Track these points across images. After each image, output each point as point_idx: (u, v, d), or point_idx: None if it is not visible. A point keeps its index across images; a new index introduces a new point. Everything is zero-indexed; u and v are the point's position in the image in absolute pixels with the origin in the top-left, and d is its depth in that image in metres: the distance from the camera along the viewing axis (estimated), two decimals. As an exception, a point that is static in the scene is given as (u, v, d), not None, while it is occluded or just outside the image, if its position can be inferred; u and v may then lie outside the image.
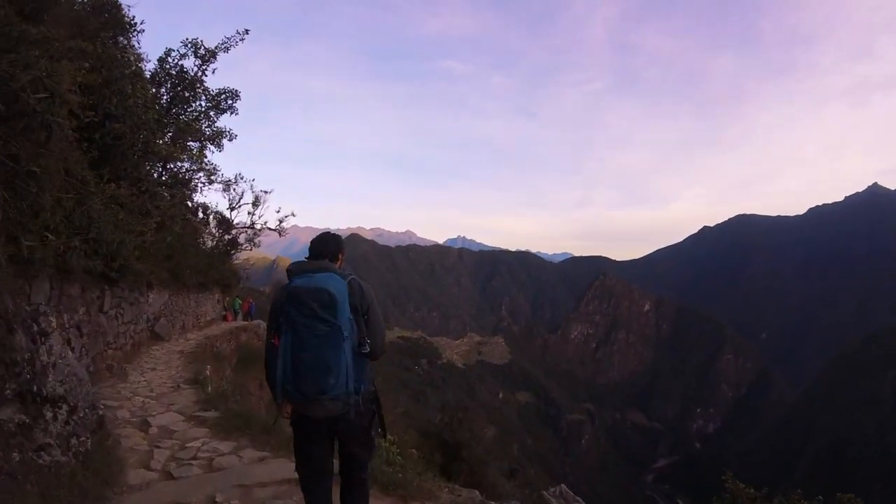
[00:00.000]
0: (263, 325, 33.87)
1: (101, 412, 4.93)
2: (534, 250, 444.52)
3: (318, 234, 3.77)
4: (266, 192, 27.31)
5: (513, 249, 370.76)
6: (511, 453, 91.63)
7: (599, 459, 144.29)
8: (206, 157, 17.24)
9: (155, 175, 13.92)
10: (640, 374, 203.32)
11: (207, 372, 11.63)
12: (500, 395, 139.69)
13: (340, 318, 3.20)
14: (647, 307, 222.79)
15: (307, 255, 3.64)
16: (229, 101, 18.05)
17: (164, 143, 13.30)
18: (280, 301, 3.31)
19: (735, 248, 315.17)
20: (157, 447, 6.12)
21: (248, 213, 27.02)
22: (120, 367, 10.38)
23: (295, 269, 3.46)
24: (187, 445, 6.23)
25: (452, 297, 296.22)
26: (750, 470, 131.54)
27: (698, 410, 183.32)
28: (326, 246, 3.64)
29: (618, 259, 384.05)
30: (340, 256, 3.71)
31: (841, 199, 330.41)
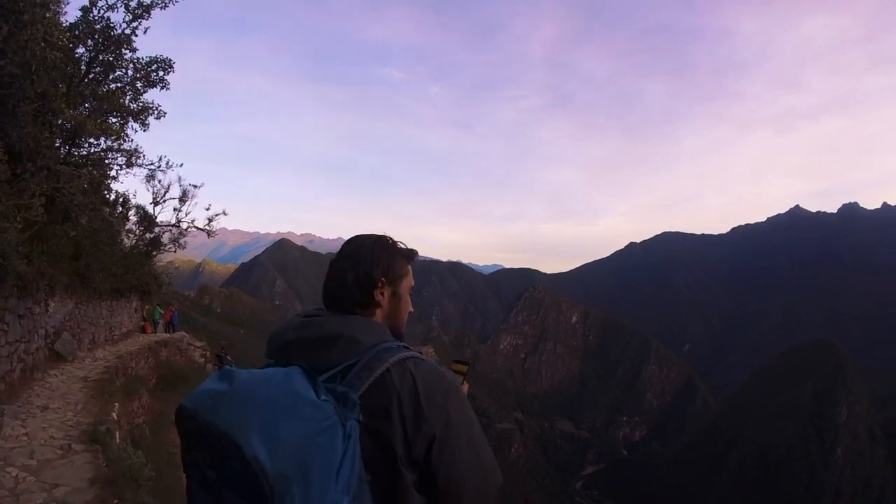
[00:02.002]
0: (187, 337, 30.57)
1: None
2: (465, 261, 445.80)
3: (347, 240, 2.02)
4: (195, 187, 23.72)
5: (444, 259, 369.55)
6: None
7: (529, 467, 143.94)
8: (127, 135, 14.02)
9: (58, 146, 10.79)
10: (567, 383, 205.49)
11: (114, 415, 8.76)
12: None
13: None
14: (574, 319, 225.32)
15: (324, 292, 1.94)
16: (161, 73, 14.82)
17: (78, 114, 10.34)
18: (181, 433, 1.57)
19: (660, 263, 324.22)
20: None
21: (174, 209, 23.33)
22: (-5, 408, 7.44)
23: (275, 344, 1.81)
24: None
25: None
26: (676, 475, 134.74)
27: (624, 419, 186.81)
28: (353, 273, 1.87)
29: (547, 272, 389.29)
30: (383, 295, 1.88)
31: (763, 219, 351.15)
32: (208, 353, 31.75)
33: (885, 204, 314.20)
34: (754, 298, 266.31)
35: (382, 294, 1.89)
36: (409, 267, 1.97)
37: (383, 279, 1.87)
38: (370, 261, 1.91)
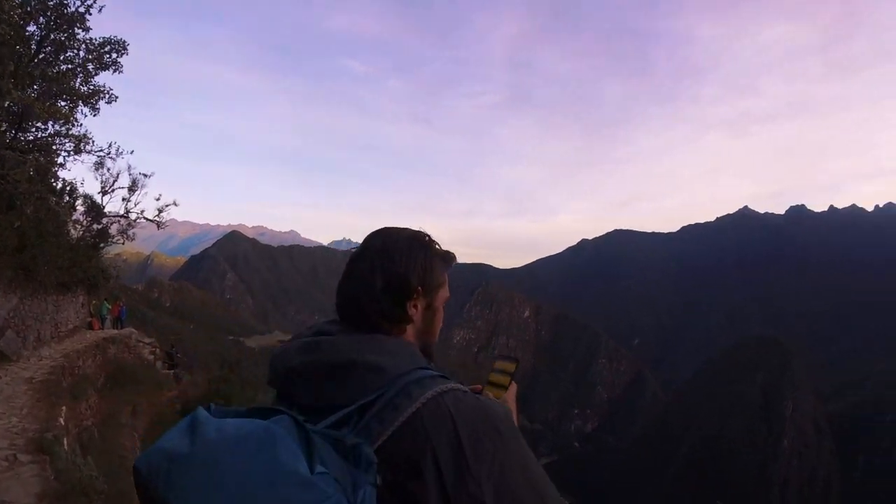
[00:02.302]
0: (136, 334, 29.47)
1: None
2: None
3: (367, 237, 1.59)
4: (146, 176, 22.65)
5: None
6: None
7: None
8: (76, 119, 13.19)
9: (3, 130, 9.99)
10: (520, 378, 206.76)
11: (62, 420, 8.14)
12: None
13: None
14: (527, 314, 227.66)
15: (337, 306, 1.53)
16: (114, 55, 13.99)
17: (26, 96, 9.56)
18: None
19: (611, 260, 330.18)
20: None
21: (123, 199, 22.21)
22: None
23: (276, 371, 1.45)
24: None
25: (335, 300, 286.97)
26: (628, 466, 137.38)
27: (576, 411, 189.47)
28: (384, 277, 1.47)
29: (500, 267, 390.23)
30: (416, 307, 1.50)
31: (713, 219, 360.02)
32: (157, 349, 30.74)
33: (831, 207, 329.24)
34: (702, 296, 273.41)
35: (416, 307, 1.50)
36: (446, 274, 1.60)
37: (420, 288, 1.49)
38: (406, 262, 1.49)
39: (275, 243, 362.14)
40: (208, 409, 1.16)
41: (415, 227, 1.59)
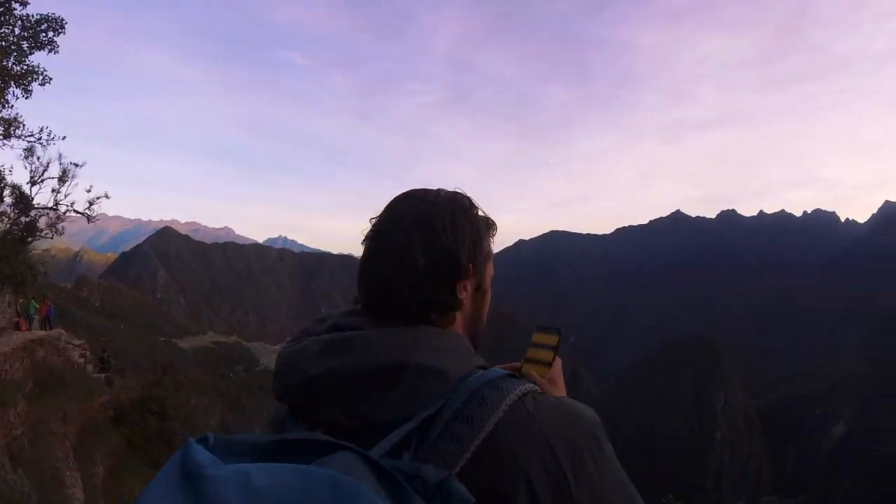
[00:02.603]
0: (65, 335, 27.87)
1: None
2: (356, 254, 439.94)
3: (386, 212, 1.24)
4: (77, 166, 21.24)
5: (335, 252, 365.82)
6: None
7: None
8: (7, 101, 12.11)
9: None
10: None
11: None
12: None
13: None
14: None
15: (361, 293, 1.23)
16: (50, 33, 12.92)
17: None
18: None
19: (548, 260, 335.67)
20: None
21: (53, 189, 20.84)
22: None
23: (289, 381, 1.12)
24: None
25: (271, 299, 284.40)
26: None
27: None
28: (427, 253, 1.14)
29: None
30: (466, 289, 1.19)
31: (646, 221, 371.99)
32: (88, 352, 29.30)
33: (761, 212, 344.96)
34: (635, 296, 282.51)
35: (466, 289, 1.19)
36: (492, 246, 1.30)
37: (471, 265, 1.18)
38: (453, 233, 1.17)
39: (208, 240, 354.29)
40: (204, 441, 0.83)
41: (449, 189, 1.26)
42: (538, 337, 1.40)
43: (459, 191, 1.25)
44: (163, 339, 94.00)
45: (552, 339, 1.38)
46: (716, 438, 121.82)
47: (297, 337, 1.17)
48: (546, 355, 1.34)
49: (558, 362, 1.33)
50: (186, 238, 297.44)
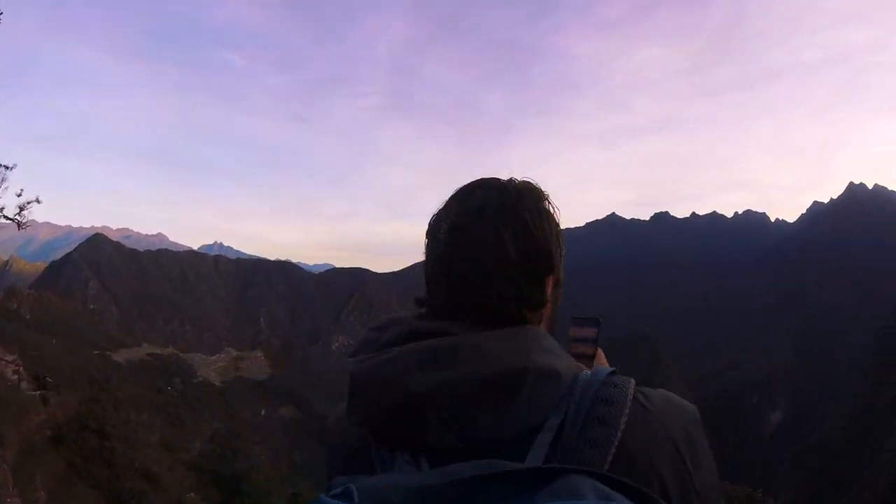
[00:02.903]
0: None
1: None
2: (295, 260, 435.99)
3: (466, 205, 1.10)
4: (7, 168, 20.05)
5: (272, 258, 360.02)
6: (281, 472, 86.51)
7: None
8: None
9: None
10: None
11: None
12: (263, 413, 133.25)
13: None
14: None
15: (429, 295, 1.12)
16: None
17: None
18: None
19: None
20: None
21: (-20, 195, 19.64)
22: None
23: (380, 401, 0.92)
24: None
25: (207, 308, 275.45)
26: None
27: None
28: (518, 245, 1.02)
29: (378, 271, 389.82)
30: (550, 286, 1.10)
31: (582, 224, 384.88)
32: (21, 368, 27.98)
33: (693, 213, 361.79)
34: (571, 295, 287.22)
35: (549, 285, 1.10)
36: None
37: (558, 259, 1.12)
38: (540, 224, 1.07)
39: (141, 247, 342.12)
40: (344, 497, 0.73)
41: (518, 177, 1.14)
42: (575, 331, 1.34)
43: (530, 180, 1.14)
44: (97, 352, 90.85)
45: (591, 332, 1.33)
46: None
47: (360, 349, 1.02)
48: (587, 349, 1.29)
49: (600, 354, 1.31)
50: (118, 245, 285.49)
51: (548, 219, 1.08)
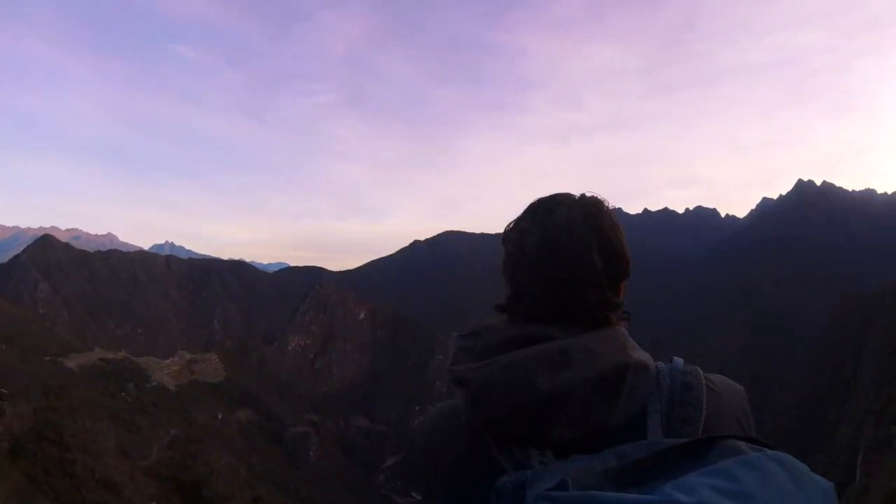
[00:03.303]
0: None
1: None
2: (248, 259, 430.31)
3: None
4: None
5: (225, 258, 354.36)
6: (240, 476, 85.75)
7: (331, 468, 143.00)
8: None
9: None
10: (360, 380, 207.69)
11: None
12: (220, 416, 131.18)
13: None
14: (362, 315, 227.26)
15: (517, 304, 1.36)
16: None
17: None
18: None
19: (443, 259, 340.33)
20: None
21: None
22: None
23: (507, 403, 1.14)
24: None
25: (159, 310, 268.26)
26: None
27: (417, 408, 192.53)
28: (602, 253, 1.27)
29: (333, 269, 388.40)
30: (622, 291, 1.38)
31: None
32: (-25, 379, 27.53)
33: (645, 209, 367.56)
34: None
35: (623, 289, 1.34)
36: None
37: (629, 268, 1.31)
38: (616, 234, 1.29)
39: (91, 248, 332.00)
40: (563, 487, 0.87)
41: (588, 193, 1.35)
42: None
43: (597, 195, 1.32)
44: (48, 358, 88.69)
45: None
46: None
47: (459, 358, 1.23)
48: None
49: None
50: (67, 246, 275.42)
51: (620, 230, 1.28)
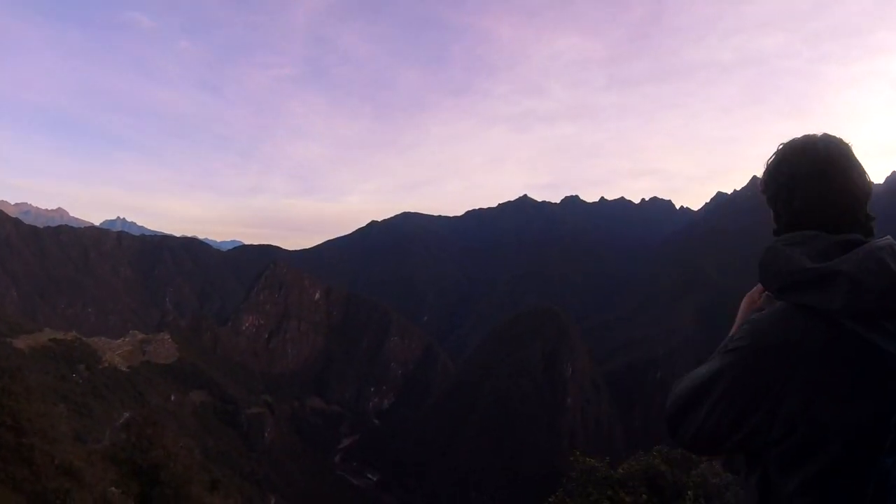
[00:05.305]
0: None
1: None
2: (201, 236, 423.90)
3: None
4: None
5: (178, 235, 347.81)
6: (196, 458, 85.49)
7: (286, 449, 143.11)
8: None
9: None
10: (314, 360, 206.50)
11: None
12: (173, 398, 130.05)
13: None
14: (317, 296, 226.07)
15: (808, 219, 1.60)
16: None
17: None
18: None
19: (400, 241, 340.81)
20: None
21: None
22: None
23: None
24: None
25: (110, 289, 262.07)
26: (428, 434, 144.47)
27: (372, 389, 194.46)
28: (861, 186, 1.57)
29: (289, 248, 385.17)
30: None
31: (495, 205, 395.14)
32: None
33: (602, 198, 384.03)
34: (484, 274, 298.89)
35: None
36: None
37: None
38: (859, 164, 1.58)
39: (40, 223, 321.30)
40: None
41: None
42: None
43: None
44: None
45: None
46: (567, 402, 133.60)
47: (795, 261, 1.44)
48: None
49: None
50: (16, 222, 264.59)
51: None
